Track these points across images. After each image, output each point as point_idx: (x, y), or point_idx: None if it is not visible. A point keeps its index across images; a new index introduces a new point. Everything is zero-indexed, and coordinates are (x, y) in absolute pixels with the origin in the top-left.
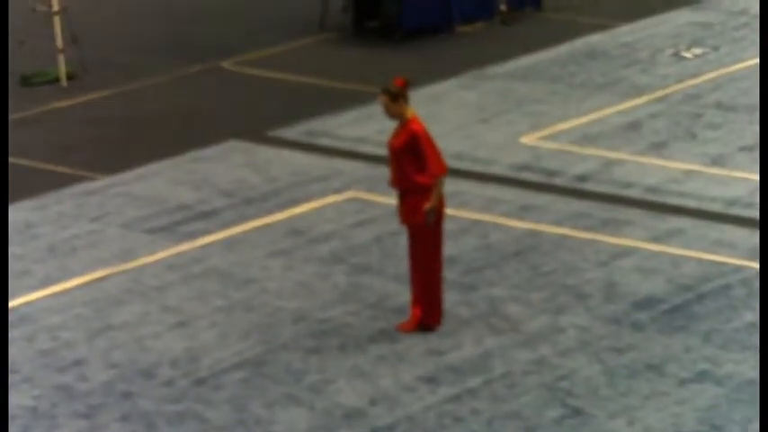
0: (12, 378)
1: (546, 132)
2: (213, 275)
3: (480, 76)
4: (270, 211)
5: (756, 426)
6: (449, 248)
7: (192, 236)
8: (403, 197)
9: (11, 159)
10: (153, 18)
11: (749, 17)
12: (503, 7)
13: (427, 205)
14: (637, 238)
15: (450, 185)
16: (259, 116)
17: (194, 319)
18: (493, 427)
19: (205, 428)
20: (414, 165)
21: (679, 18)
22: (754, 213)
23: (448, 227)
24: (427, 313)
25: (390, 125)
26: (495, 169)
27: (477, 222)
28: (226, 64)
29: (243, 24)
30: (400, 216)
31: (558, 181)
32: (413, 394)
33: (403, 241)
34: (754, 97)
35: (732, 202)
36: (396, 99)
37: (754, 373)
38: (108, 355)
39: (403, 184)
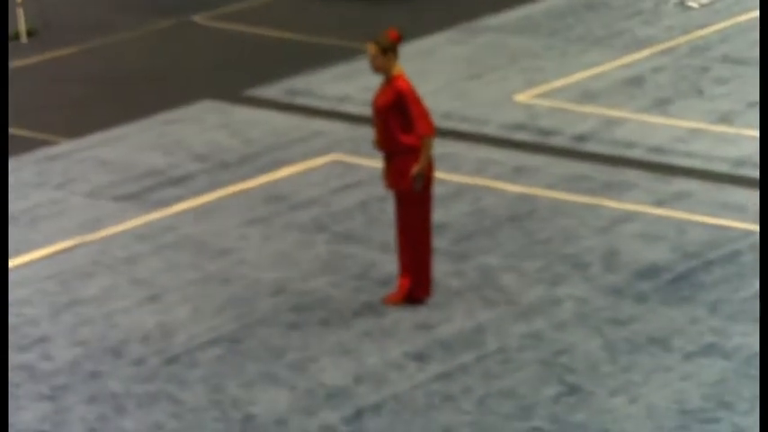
0: None
1: (542, 89)
2: (186, 245)
3: (471, 29)
4: (247, 176)
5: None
6: (438, 214)
7: (164, 203)
8: (389, 160)
9: None
10: None
11: None
12: None
13: (415, 168)
14: (639, 202)
15: (439, 147)
16: (235, 74)
17: (166, 292)
18: (486, 406)
19: (178, 410)
20: (400, 125)
21: None
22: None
23: (437, 191)
24: (415, 284)
25: (375, 83)
26: (488, 129)
27: (468, 186)
28: (199, 18)
29: None
30: (386, 180)
31: (554, 141)
32: (400, 372)
33: (389, 207)
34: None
35: (741, 162)
36: (385, 52)
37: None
38: (74, 332)
39: (389, 145)
